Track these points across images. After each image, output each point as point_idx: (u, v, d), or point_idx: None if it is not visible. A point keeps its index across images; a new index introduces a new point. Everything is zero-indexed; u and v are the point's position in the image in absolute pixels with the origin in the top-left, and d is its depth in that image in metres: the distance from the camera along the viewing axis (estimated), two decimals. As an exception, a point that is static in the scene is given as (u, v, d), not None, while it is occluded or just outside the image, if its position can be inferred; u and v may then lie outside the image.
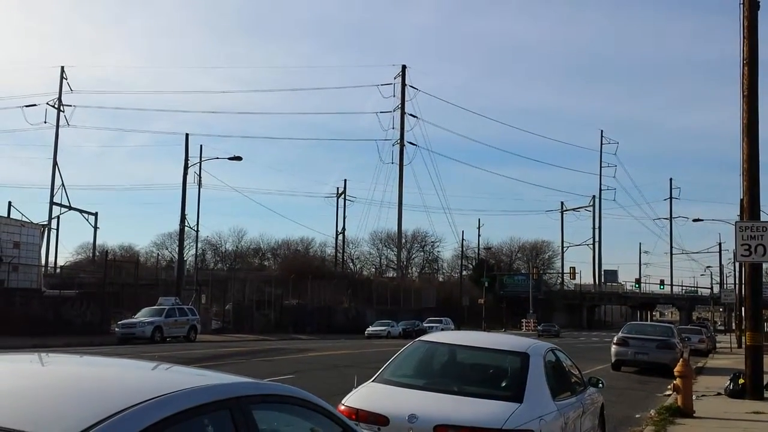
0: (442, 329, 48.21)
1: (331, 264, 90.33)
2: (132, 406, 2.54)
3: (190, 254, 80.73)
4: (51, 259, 69.18)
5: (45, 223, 60.89)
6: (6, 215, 48.80)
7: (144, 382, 3.32)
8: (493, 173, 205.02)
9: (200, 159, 54.41)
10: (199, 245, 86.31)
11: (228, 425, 2.91)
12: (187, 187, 49.59)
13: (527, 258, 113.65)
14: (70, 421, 2.40)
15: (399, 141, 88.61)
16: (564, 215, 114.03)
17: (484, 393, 7.36)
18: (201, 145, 57.20)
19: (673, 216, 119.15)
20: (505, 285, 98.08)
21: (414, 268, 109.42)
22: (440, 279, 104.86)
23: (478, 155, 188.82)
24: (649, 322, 59.52)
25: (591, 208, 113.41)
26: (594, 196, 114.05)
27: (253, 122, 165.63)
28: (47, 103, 73.97)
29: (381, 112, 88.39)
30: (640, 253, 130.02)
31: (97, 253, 73.94)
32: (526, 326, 72.96)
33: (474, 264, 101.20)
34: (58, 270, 64.09)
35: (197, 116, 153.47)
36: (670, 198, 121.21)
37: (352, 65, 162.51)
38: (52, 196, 71.75)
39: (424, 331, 43.45)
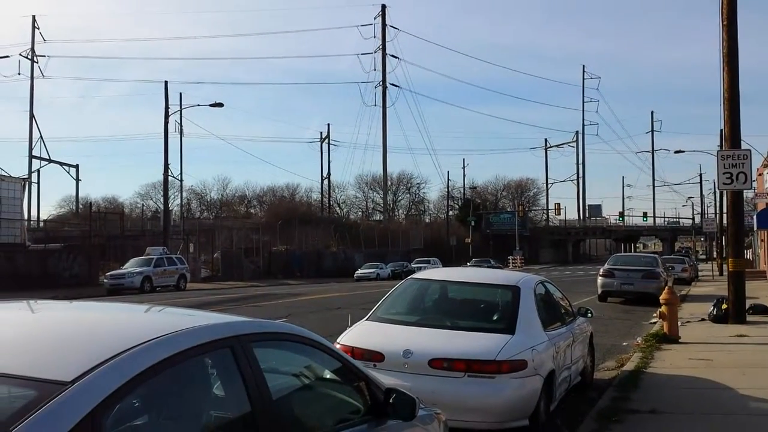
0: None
1: (317, 209, 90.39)
2: (134, 346, 2.55)
3: (175, 204, 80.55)
4: (33, 213, 68.75)
5: (25, 176, 60.18)
6: (-15, 170, 48.09)
7: (145, 323, 3.34)
8: (476, 112, 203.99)
9: (180, 107, 53.79)
10: (184, 194, 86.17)
11: (230, 363, 2.94)
12: (168, 135, 49.16)
13: (512, 196, 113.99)
14: (72, 363, 2.40)
15: (381, 83, 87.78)
16: (548, 152, 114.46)
17: (476, 326, 7.48)
18: (180, 93, 56.52)
19: (654, 149, 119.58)
20: (491, 223, 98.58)
21: (400, 210, 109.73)
22: (427, 220, 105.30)
23: (461, 95, 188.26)
24: (633, 254, 60.01)
25: (574, 144, 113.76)
26: (577, 132, 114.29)
27: (230, 68, 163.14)
28: (20, 54, 72.41)
29: (362, 54, 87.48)
30: (623, 186, 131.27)
31: (81, 206, 73.51)
32: (513, 263, 73.65)
33: (460, 204, 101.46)
34: (41, 224, 63.70)
35: (173, 63, 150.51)
36: (652, 131, 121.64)
37: (329, 6, 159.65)
38: (30, 149, 70.87)
39: (413, 272, 43.50)
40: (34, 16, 73.72)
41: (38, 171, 72.13)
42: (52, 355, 2.57)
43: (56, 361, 2.46)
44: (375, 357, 6.91)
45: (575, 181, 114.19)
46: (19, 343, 2.70)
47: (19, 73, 72.46)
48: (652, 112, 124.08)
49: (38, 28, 73.62)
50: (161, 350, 2.61)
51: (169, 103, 49.09)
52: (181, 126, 62.28)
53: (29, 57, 73.04)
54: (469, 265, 55.72)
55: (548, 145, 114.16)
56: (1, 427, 2.09)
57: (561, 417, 7.97)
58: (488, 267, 58.23)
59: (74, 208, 76.94)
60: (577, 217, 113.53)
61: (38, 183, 72.80)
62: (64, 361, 2.45)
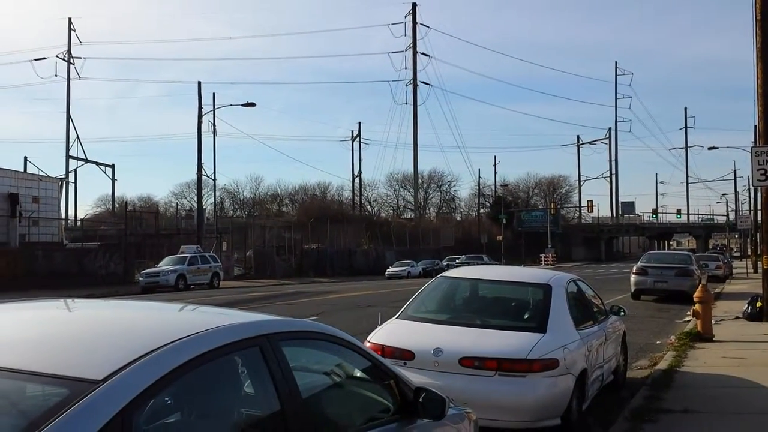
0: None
1: (349, 207, 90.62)
2: (164, 345, 2.57)
3: (208, 203, 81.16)
4: (71, 212, 69.65)
5: (62, 176, 60.99)
6: (23, 170, 49.00)
7: (175, 322, 3.36)
8: (508, 110, 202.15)
9: (213, 107, 54.18)
10: (217, 193, 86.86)
11: (259, 361, 2.96)
12: (202, 135, 49.54)
13: (544, 193, 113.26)
14: (103, 362, 2.42)
15: (412, 81, 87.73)
16: (580, 149, 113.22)
17: (507, 325, 7.45)
18: (214, 93, 56.93)
19: (688, 145, 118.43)
20: (522, 221, 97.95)
21: (431, 209, 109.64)
22: (458, 218, 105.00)
23: (492, 92, 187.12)
24: (667, 251, 59.22)
25: (607, 141, 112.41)
26: (610, 129, 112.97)
27: (261, 68, 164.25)
28: (56, 56, 73.28)
29: (393, 53, 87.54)
30: (656, 183, 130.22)
31: (117, 205, 74.39)
32: (544, 261, 73.18)
33: (491, 202, 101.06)
34: (78, 223, 64.61)
35: (206, 64, 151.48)
36: (686, 127, 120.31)
37: (360, 5, 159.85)
38: (67, 149, 71.73)
39: (444, 270, 43.21)
40: (69, 18, 74.43)
41: (75, 171, 73.02)
42: (85, 353, 2.60)
43: (88, 360, 2.49)
44: (405, 355, 6.91)
45: (608, 178, 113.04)
46: (53, 342, 2.74)
47: (56, 75, 73.42)
48: (685, 109, 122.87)
49: (74, 30, 74.42)
50: (190, 349, 2.63)
51: (203, 103, 49.61)
52: (215, 126, 62.60)
53: (65, 59, 73.89)
54: (458, 262, 54.81)
55: (580, 142, 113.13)
56: (33, 425, 2.12)
57: (593, 416, 7.91)
58: (481, 264, 56.28)
59: (110, 207, 77.91)
60: (610, 215, 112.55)
61: (75, 183, 73.73)
62: (96, 360, 2.47)
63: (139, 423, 2.36)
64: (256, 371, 3.00)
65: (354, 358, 3.72)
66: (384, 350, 6.90)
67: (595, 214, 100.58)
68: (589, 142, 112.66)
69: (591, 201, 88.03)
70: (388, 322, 7.91)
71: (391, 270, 55.86)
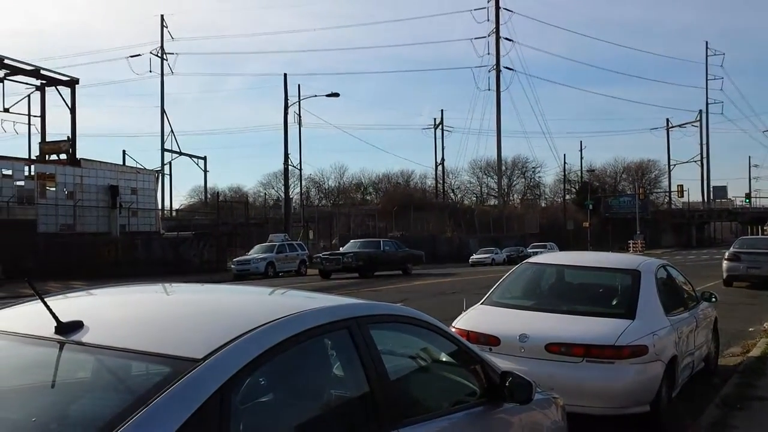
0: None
1: (432, 195, 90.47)
2: (259, 326, 2.66)
3: (295, 192, 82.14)
4: (166, 203, 71.72)
5: (158, 169, 62.96)
6: (122, 163, 51.02)
7: (268, 304, 3.49)
8: (593, 93, 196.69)
9: (299, 98, 54.87)
10: (303, 183, 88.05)
11: (347, 343, 3.03)
12: (288, 126, 50.29)
13: (632, 178, 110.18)
14: (203, 341, 2.53)
15: (495, 67, 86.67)
16: (670, 132, 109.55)
17: (595, 311, 7.35)
18: (299, 85, 57.65)
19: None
20: (610, 207, 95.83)
21: (515, 195, 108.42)
22: (543, 204, 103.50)
23: (577, 75, 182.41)
24: (760, 236, 56.90)
25: (698, 124, 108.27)
26: (701, 111, 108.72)
27: (343, 57, 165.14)
28: (150, 53, 75.35)
29: (475, 38, 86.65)
30: (749, 167, 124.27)
31: (209, 196, 76.46)
32: (633, 247, 71.43)
33: (577, 187, 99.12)
34: (174, 213, 66.71)
35: (289, 56, 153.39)
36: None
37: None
38: (162, 142, 73.65)
39: (528, 257, 41.89)
40: (162, 15, 76.31)
41: (170, 163, 74.74)
42: (185, 333, 2.72)
43: (189, 339, 2.61)
44: (490, 341, 6.92)
45: (699, 162, 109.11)
46: (155, 323, 2.88)
47: (150, 71, 75.54)
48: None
49: (166, 27, 76.46)
50: (283, 330, 2.71)
51: (288, 94, 50.31)
52: (300, 117, 63.44)
53: (159, 55, 75.78)
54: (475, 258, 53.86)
55: (670, 126, 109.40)
56: (140, 401, 2.22)
57: (683, 404, 7.76)
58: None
59: (203, 197, 80.00)
60: (700, 200, 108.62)
61: (170, 174, 75.33)
62: (196, 339, 2.58)
63: (237, 400, 2.44)
64: (345, 353, 3.08)
65: (440, 342, 3.74)
66: (469, 335, 6.92)
67: (685, 199, 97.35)
68: (679, 126, 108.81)
69: (681, 186, 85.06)
70: (473, 308, 7.92)
71: (474, 257, 55.56)
